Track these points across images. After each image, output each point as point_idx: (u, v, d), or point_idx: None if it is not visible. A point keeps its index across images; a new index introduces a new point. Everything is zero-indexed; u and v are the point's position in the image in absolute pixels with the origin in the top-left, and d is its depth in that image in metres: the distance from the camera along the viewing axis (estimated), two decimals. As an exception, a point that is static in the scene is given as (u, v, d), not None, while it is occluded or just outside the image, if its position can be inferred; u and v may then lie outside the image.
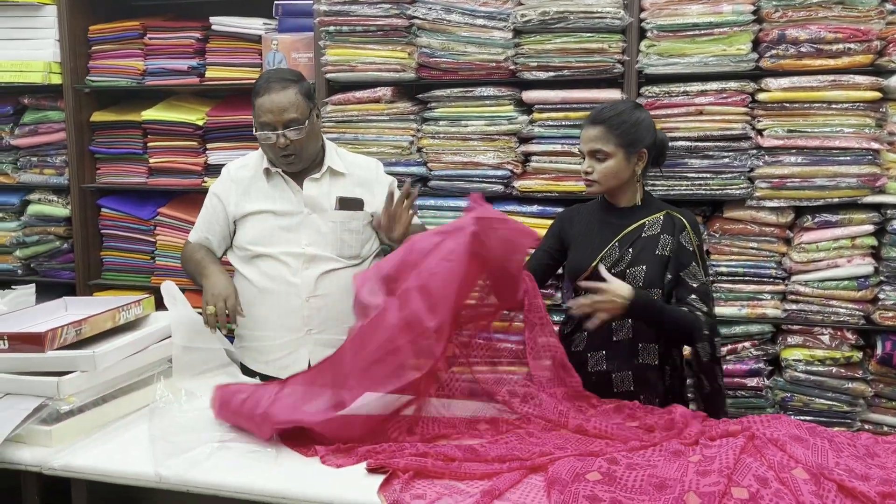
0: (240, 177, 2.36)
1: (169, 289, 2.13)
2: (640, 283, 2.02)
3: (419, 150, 2.85)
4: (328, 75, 2.87)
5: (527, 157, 2.78)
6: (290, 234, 2.30)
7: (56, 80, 3.14)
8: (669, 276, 2.03)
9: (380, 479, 1.57)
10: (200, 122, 3.07)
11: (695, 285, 2.03)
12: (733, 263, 2.62)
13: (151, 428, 1.78)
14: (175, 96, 3.25)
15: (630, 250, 2.06)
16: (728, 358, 2.63)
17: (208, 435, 1.75)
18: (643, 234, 2.07)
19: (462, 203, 2.80)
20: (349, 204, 2.31)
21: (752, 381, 2.62)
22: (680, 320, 1.99)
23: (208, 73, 3.07)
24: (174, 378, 2.03)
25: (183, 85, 3.12)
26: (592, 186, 2.07)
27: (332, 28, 2.83)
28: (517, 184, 2.76)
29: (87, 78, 3.18)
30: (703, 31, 2.52)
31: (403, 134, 2.83)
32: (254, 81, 3.00)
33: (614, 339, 2.06)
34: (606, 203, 2.15)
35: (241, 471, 1.64)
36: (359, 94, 2.84)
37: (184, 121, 3.07)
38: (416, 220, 2.45)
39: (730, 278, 2.65)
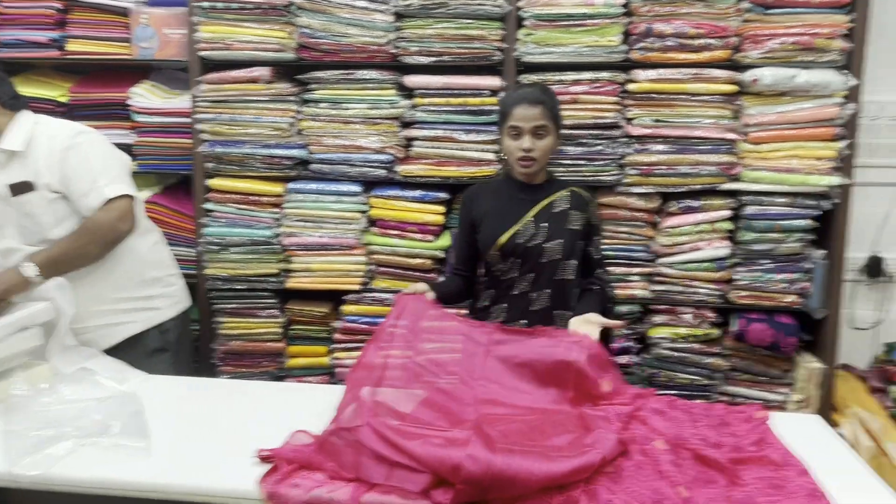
0: None
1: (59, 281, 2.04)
2: (559, 256, 2.09)
3: (300, 132, 2.79)
4: (202, 53, 2.76)
5: (409, 141, 2.78)
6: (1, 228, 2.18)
7: None
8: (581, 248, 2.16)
9: (257, 470, 1.54)
10: (63, 99, 2.88)
11: (598, 258, 2.20)
12: (606, 247, 2.74)
13: (6, 424, 1.67)
14: (34, 70, 3.03)
15: (545, 225, 2.11)
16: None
17: (71, 429, 1.66)
18: (554, 210, 2.13)
19: (343, 187, 2.79)
20: (19, 188, 2.15)
21: (623, 359, 2.76)
22: (608, 303, 2.18)
23: (70, 47, 2.87)
24: (46, 367, 1.91)
25: (42, 58, 2.91)
26: (532, 166, 2.08)
27: (206, 4, 2.71)
28: (399, 168, 2.76)
29: (-69, 47, 2.91)
30: (576, 22, 2.60)
31: (283, 115, 2.77)
32: (122, 57, 2.88)
33: (531, 308, 2.11)
34: (515, 180, 2.18)
35: (108, 465, 1.57)
36: (235, 73, 2.75)
37: (44, 97, 2.85)
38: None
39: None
